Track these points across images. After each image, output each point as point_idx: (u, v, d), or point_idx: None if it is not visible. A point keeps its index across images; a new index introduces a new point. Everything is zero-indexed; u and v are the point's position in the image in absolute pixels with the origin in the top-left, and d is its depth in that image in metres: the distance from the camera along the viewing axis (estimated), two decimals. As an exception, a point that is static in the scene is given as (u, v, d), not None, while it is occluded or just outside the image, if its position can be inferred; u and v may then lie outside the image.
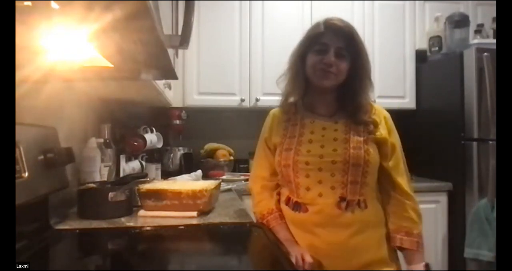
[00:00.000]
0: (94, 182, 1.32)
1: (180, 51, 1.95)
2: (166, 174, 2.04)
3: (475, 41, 2.27)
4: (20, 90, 0.77)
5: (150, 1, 0.49)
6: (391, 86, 2.47)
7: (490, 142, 2.03)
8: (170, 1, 1.11)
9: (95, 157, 1.40)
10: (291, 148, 1.08)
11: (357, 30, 1.10)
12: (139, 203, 1.25)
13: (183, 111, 2.33)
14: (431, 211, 2.13)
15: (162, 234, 1.09)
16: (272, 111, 1.23)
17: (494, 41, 2.21)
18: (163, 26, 0.67)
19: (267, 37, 2.38)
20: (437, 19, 2.42)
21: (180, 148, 2.33)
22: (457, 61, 2.17)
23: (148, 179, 1.43)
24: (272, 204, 1.15)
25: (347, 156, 1.03)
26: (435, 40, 2.41)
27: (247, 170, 2.45)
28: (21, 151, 0.84)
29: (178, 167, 2.28)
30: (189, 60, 2.31)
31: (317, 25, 1.11)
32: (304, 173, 1.05)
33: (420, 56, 2.52)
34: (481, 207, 1.92)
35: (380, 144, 1.08)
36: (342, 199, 1.03)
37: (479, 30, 2.39)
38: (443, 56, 2.37)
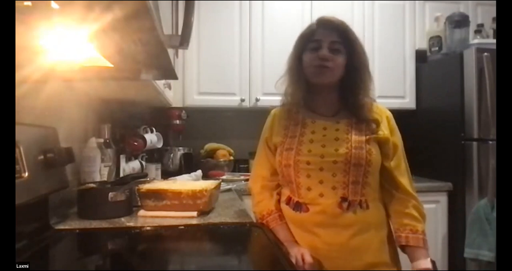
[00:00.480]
0: (94, 182, 1.32)
1: (180, 51, 1.95)
2: (166, 174, 2.04)
3: (475, 41, 2.27)
4: (20, 90, 0.77)
5: (150, 1, 0.49)
6: (391, 86, 2.47)
7: (490, 142, 2.03)
8: (170, 1, 1.11)
9: (95, 157, 1.40)
10: (292, 148, 1.08)
11: (352, 28, 1.10)
12: (139, 203, 1.25)
13: (183, 111, 2.33)
14: (431, 211, 2.13)
15: (162, 234, 1.08)
16: (273, 111, 1.23)
17: (494, 41, 2.22)
18: (163, 26, 0.67)
19: (267, 37, 2.38)
20: (437, 19, 2.42)
21: (180, 148, 2.33)
22: (457, 61, 2.17)
23: (148, 179, 1.43)
24: (271, 204, 1.15)
25: (348, 156, 1.03)
26: (435, 40, 2.41)
27: (247, 170, 2.45)
28: (21, 151, 0.84)
29: (178, 167, 2.28)
30: (189, 60, 2.31)
31: (309, 25, 1.13)
32: (305, 173, 1.05)
33: (420, 56, 2.52)
34: (481, 207, 1.92)
35: (382, 143, 1.08)
36: (344, 199, 1.02)
37: (479, 30, 2.39)
38: (443, 56, 2.37)
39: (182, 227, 1.10)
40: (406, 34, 2.52)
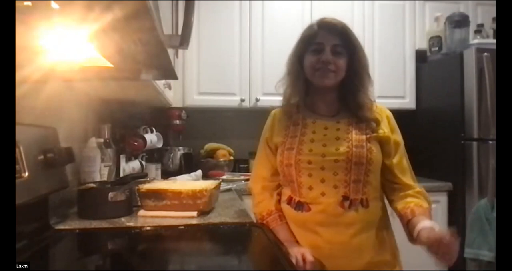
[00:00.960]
0: (94, 182, 1.32)
1: (180, 51, 1.95)
2: (166, 174, 2.04)
3: (475, 41, 2.27)
4: (20, 90, 0.77)
5: (150, 1, 0.49)
6: (391, 86, 2.47)
7: (490, 142, 2.03)
8: (170, 1, 1.11)
9: (95, 157, 1.39)
10: (293, 148, 1.08)
11: (352, 28, 1.11)
12: (139, 203, 1.25)
13: (183, 111, 2.33)
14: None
15: (162, 234, 1.08)
16: (273, 111, 1.23)
17: (494, 41, 2.21)
18: (163, 26, 0.67)
19: (267, 37, 2.38)
20: (437, 19, 2.42)
21: (180, 148, 2.33)
22: (457, 61, 2.17)
23: (148, 179, 1.43)
24: (271, 205, 1.15)
25: (349, 155, 1.03)
26: (435, 40, 2.41)
27: (247, 170, 2.45)
28: (21, 151, 0.84)
29: (178, 167, 2.28)
30: (189, 60, 2.31)
31: (310, 26, 1.12)
32: (307, 173, 1.05)
33: (420, 56, 2.52)
34: (481, 207, 1.92)
35: (383, 142, 1.08)
36: (345, 198, 1.02)
37: (479, 30, 2.39)
38: (443, 56, 2.37)
39: (182, 227, 1.10)
40: (406, 34, 2.52)
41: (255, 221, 1.20)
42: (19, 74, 0.72)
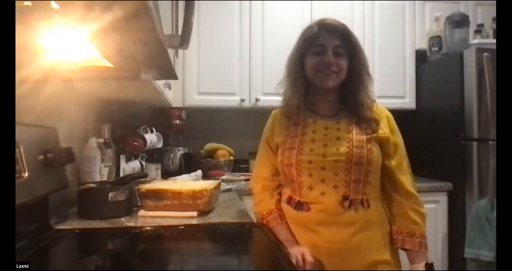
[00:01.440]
0: (94, 182, 1.31)
1: (180, 51, 1.95)
2: (166, 174, 2.04)
3: (475, 41, 2.27)
4: (20, 90, 0.77)
5: (150, 1, 0.49)
6: (391, 86, 2.47)
7: (490, 142, 2.03)
8: (170, 1, 1.11)
9: (95, 157, 1.39)
10: (294, 147, 1.08)
11: (352, 29, 1.12)
12: (139, 203, 1.25)
13: (183, 111, 2.33)
14: (431, 211, 2.13)
15: (162, 234, 1.08)
16: (274, 111, 1.23)
17: (494, 41, 2.21)
18: (163, 26, 0.67)
19: (267, 37, 2.38)
20: (437, 19, 2.42)
21: (180, 148, 2.33)
22: (457, 61, 2.17)
23: (148, 179, 1.43)
24: (272, 204, 1.15)
25: (350, 155, 1.03)
26: (435, 40, 2.41)
27: (247, 170, 2.45)
28: (21, 151, 0.84)
29: (178, 167, 2.28)
30: (189, 60, 2.31)
31: (310, 27, 1.13)
32: (307, 172, 1.06)
33: (420, 56, 2.52)
34: (481, 207, 1.92)
35: (383, 143, 1.08)
36: (345, 198, 1.03)
37: (479, 30, 2.39)
38: (443, 56, 2.37)
39: (182, 227, 1.10)
40: (406, 34, 2.52)
41: (255, 221, 1.20)
42: (19, 74, 0.72)
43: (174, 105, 2.24)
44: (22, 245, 0.86)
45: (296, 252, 1.00)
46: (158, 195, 1.22)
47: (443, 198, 2.19)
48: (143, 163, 1.93)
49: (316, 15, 2.31)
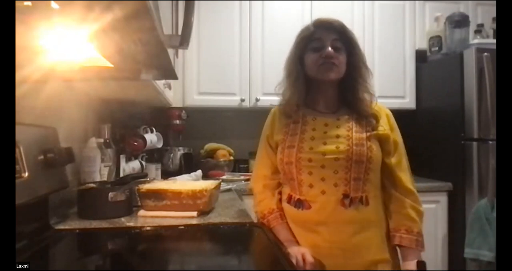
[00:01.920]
0: (94, 182, 1.31)
1: (180, 51, 1.95)
2: (166, 174, 2.04)
3: (475, 41, 2.27)
4: (20, 90, 0.77)
5: (150, 1, 0.49)
6: (391, 86, 2.47)
7: (490, 142, 2.03)
8: (170, 1, 1.11)
9: (95, 157, 1.39)
10: (294, 146, 1.09)
11: (352, 29, 1.14)
12: (139, 203, 1.25)
13: (183, 111, 2.33)
14: (431, 211, 2.13)
15: (162, 234, 1.08)
16: (273, 109, 1.23)
17: (494, 41, 2.21)
18: (163, 26, 0.67)
19: (267, 37, 2.38)
20: (437, 19, 2.42)
21: (180, 148, 2.33)
22: (457, 61, 2.17)
23: (148, 179, 1.43)
24: (273, 203, 1.15)
25: (350, 153, 1.03)
26: (435, 40, 2.41)
27: (247, 170, 2.45)
28: (21, 151, 0.84)
29: (178, 167, 2.28)
30: (189, 60, 2.31)
31: (306, 27, 1.15)
32: (307, 171, 1.06)
33: (420, 56, 2.51)
34: (481, 207, 1.92)
35: (383, 141, 1.09)
36: (345, 196, 1.03)
37: (479, 30, 2.39)
38: (443, 56, 2.37)
39: (182, 227, 1.10)
40: (406, 34, 2.52)
41: (255, 221, 1.20)
42: (19, 74, 0.72)
43: (174, 105, 2.24)
44: (22, 245, 0.86)
45: (296, 252, 1.00)
46: (158, 195, 1.22)
47: (443, 198, 2.19)
48: (143, 163, 1.93)
49: (316, 15, 2.28)
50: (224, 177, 2.19)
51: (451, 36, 2.32)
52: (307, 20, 2.29)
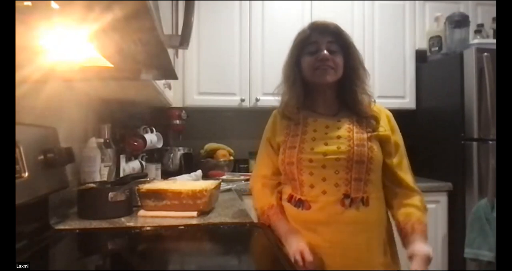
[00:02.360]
0: (94, 182, 1.32)
1: (180, 51, 1.95)
2: (166, 174, 2.04)
3: (475, 41, 2.27)
4: (20, 90, 0.77)
5: (150, 1, 0.49)
6: (391, 86, 2.47)
7: (490, 142, 2.03)
8: (170, 1, 1.11)
9: (95, 157, 1.39)
10: (295, 146, 1.09)
11: (352, 28, 1.13)
12: (139, 203, 1.25)
13: (183, 111, 2.33)
14: (431, 211, 2.10)
15: (162, 234, 1.08)
16: (275, 111, 1.23)
17: (494, 41, 2.22)
18: (163, 26, 0.67)
19: (267, 37, 2.38)
20: (437, 19, 2.42)
21: (180, 148, 2.33)
22: (457, 61, 2.17)
23: (148, 179, 1.43)
24: (272, 199, 1.15)
25: (351, 154, 1.04)
26: (435, 40, 2.41)
27: (247, 170, 2.45)
28: (21, 151, 0.84)
29: (178, 167, 2.28)
30: (189, 60, 2.31)
31: (302, 31, 1.15)
32: (308, 171, 1.06)
33: (420, 56, 2.52)
34: (481, 207, 1.92)
35: (383, 141, 1.09)
36: (346, 196, 1.03)
37: (479, 30, 2.39)
38: (443, 56, 2.37)
39: (182, 227, 1.10)
40: (406, 34, 2.52)
41: (255, 221, 1.20)
42: (19, 74, 0.72)
43: (174, 105, 2.24)
44: (22, 245, 0.86)
45: (295, 251, 1.00)
46: (158, 195, 1.22)
47: (443, 198, 2.19)
48: (143, 163, 1.93)
49: (316, 15, 2.31)
50: (224, 177, 2.19)
51: (451, 36, 2.32)
52: (307, 20, 2.29)
